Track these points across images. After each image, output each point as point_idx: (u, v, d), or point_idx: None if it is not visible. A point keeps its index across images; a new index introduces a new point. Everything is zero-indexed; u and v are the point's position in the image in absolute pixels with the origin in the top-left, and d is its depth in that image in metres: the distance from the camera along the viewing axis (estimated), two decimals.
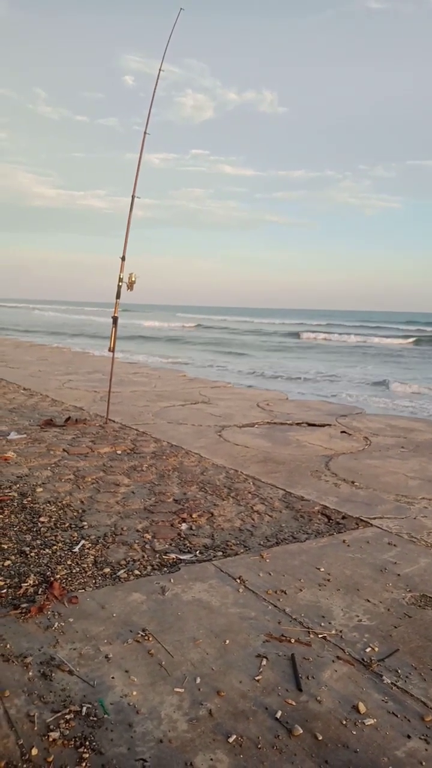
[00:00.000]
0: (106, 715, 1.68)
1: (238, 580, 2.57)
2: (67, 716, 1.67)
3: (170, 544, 2.96)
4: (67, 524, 3.16)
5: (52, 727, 1.63)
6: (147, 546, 2.92)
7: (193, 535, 3.10)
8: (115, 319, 5.81)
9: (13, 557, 2.71)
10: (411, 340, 31.51)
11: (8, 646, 1.99)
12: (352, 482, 4.26)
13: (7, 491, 3.66)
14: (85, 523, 3.18)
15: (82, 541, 2.92)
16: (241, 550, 2.93)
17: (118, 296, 5.65)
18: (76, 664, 1.92)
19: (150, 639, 2.08)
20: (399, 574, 2.72)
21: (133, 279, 5.58)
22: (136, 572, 2.61)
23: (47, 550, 2.81)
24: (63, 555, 2.76)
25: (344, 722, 1.71)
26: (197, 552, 2.88)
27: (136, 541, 2.96)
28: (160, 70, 5.64)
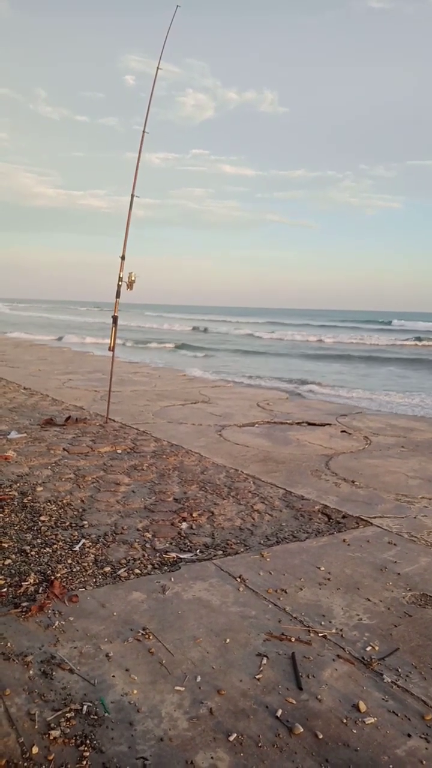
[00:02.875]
0: (106, 714, 1.68)
1: (239, 579, 2.57)
2: (68, 715, 1.67)
3: (170, 543, 2.96)
4: (68, 523, 3.16)
5: (52, 725, 1.63)
6: (147, 545, 2.92)
7: (194, 534, 3.10)
8: (114, 319, 5.81)
9: (13, 556, 2.71)
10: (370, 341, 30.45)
11: (9, 644, 2.00)
12: (352, 481, 4.26)
13: (7, 490, 3.66)
14: (85, 522, 3.18)
15: (83, 540, 2.92)
16: (242, 549, 2.93)
17: (117, 295, 5.65)
18: (77, 662, 1.92)
19: (150, 638, 2.08)
20: (399, 573, 2.72)
21: (133, 278, 5.58)
22: (137, 571, 2.62)
23: (48, 548, 2.81)
24: (63, 554, 2.76)
25: (345, 721, 1.71)
26: (197, 551, 2.88)
27: (137, 540, 2.96)
28: (158, 68, 5.65)
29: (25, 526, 3.08)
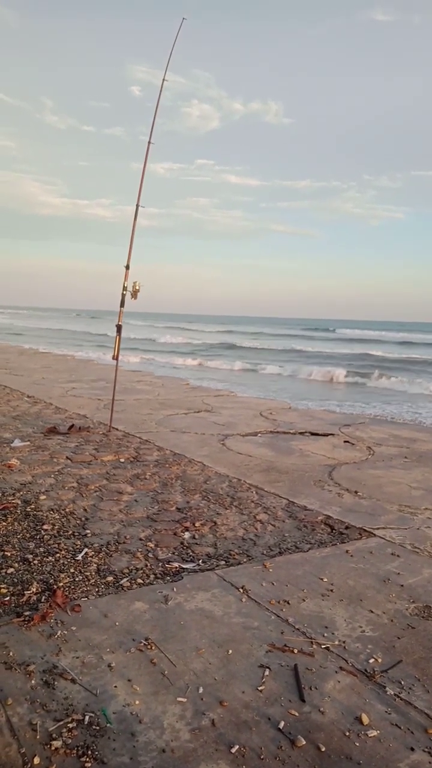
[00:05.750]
0: (108, 725, 1.68)
1: (241, 590, 2.56)
2: (70, 725, 1.67)
3: (173, 553, 2.96)
4: (70, 532, 3.16)
5: (54, 735, 1.62)
6: (150, 554, 2.92)
7: (196, 544, 3.10)
8: (119, 327, 5.83)
9: (16, 565, 2.71)
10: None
11: (11, 653, 2.00)
12: (356, 492, 4.25)
13: (10, 498, 3.67)
14: (88, 531, 3.18)
15: (85, 549, 2.92)
16: (244, 560, 2.93)
17: (122, 305, 5.67)
18: (79, 672, 1.91)
19: (152, 648, 2.08)
20: (402, 585, 2.71)
21: (137, 287, 5.61)
22: (139, 581, 2.61)
23: (50, 557, 2.81)
24: (66, 563, 2.76)
25: (347, 733, 1.70)
26: (200, 561, 2.88)
27: (139, 550, 2.96)
28: (163, 79, 5.70)
29: (28, 535, 3.09)
